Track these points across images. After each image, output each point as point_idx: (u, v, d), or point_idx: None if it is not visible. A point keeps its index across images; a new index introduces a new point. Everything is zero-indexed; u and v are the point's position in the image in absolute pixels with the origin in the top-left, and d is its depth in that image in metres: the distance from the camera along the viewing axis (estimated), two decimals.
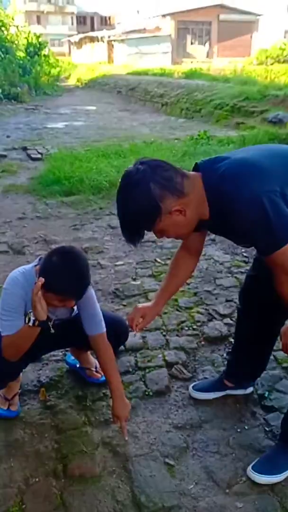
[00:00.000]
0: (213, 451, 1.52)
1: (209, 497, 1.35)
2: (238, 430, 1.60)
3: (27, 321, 1.40)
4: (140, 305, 1.53)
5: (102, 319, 1.56)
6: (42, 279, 1.33)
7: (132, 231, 1.19)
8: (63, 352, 1.97)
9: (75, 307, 1.63)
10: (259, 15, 26.22)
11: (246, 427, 1.61)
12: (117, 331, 1.64)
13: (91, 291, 1.55)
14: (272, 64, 15.24)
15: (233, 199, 1.11)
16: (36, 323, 1.38)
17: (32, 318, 1.38)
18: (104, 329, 1.55)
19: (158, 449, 1.52)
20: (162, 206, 1.12)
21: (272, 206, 1.09)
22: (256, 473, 1.40)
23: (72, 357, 1.89)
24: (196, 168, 1.22)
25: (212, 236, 3.31)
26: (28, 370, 1.72)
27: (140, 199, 1.12)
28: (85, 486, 1.39)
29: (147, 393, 1.78)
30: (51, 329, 1.51)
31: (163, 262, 2.92)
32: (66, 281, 1.33)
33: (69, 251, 1.41)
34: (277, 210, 1.09)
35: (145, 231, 1.19)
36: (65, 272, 1.33)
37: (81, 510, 1.32)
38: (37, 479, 1.41)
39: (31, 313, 1.38)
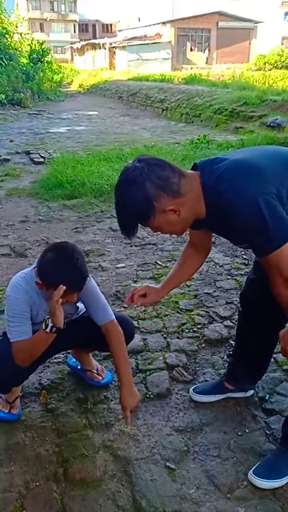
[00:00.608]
0: (214, 454, 1.50)
1: (211, 502, 1.34)
2: (239, 433, 1.59)
3: (44, 327, 1.41)
4: (146, 284, 1.54)
5: (109, 306, 1.58)
6: (63, 287, 1.34)
7: (127, 225, 1.20)
8: (64, 355, 1.96)
9: (80, 306, 1.63)
10: (257, 22, 26.45)
11: (247, 430, 1.60)
12: (124, 327, 1.62)
13: (92, 283, 1.56)
14: (270, 69, 15.36)
15: (229, 200, 1.12)
16: (54, 329, 1.40)
17: (50, 325, 1.39)
18: (113, 316, 1.57)
19: (159, 453, 1.51)
20: (156, 205, 1.14)
21: (268, 208, 1.10)
22: (257, 478, 1.39)
23: (74, 359, 1.89)
24: (195, 168, 1.23)
25: (212, 239, 3.31)
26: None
27: (135, 197, 1.13)
28: (85, 491, 1.38)
29: (148, 395, 1.77)
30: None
31: (163, 265, 2.92)
32: (63, 274, 1.34)
33: (63, 245, 1.43)
34: (272, 212, 1.10)
35: (142, 226, 1.21)
36: (61, 265, 1.35)
37: None
38: (37, 483, 1.40)
39: (49, 320, 1.40)
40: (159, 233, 1.26)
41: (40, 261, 1.42)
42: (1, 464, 1.46)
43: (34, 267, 1.49)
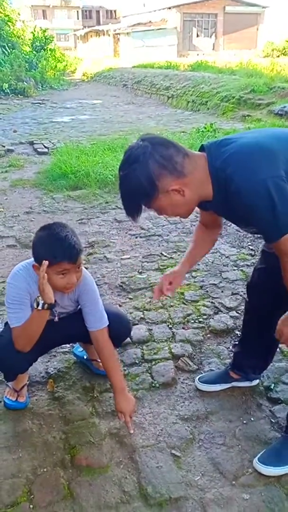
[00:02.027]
0: (220, 442, 1.52)
1: (216, 489, 1.36)
2: (244, 421, 1.61)
3: (36, 306, 1.43)
4: (167, 273, 1.50)
5: (104, 314, 1.58)
6: (46, 262, 1.36)
7: (131, 206, 1.18)
8: (71, 344, 1.98)
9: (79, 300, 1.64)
10: (265, 7, 25.81)
11: (252, 419, 1.62)
12: (118, 326, 1.65)
13: (93, 286, 1.57)
14: (278, 56, 15.05)
15: (238, 184, 1.10)
16: (46, 306, 1.41)
17: (41, 302, 1.41)
18: (105, 325, 1.57)
19: (165, 441, 1.53)
20: (159, 184, 1.12)
21: (278, 191, 1.07)
22: (262, 465, 1.41)
23: (80, 349, 1.91)
24: (202, 150, 1.20)
25: None
26: (36, 361, 1.74)
27: (138, 176, 1.11)
28: (92, 477, 1.41)
29: (153, 385, 1.79)
30: (56, 317, 1.53)
31: (169, 256, 2.92)
32: (54, 246, 1.36)
33: (53, 223, 1.45)
34: (282, 195, 1.08)
35: (145, 207, 1.19)
36: (52, 239, 1.37)
37: (88, 500, 1.33)
38: (45, 469, 1.43)
39: (39, 298, 1.42)
40: (164, 216, 1.23)
41: (33, 241, 1.44)
42: (9, 451, 1.49)
43: None
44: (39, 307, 1.42)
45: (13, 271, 1.50)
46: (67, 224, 1.47)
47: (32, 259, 1.51)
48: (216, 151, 1.16)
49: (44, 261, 1.36)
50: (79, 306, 1.64)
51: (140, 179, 1.11)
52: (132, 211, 1.18)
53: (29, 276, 1.47)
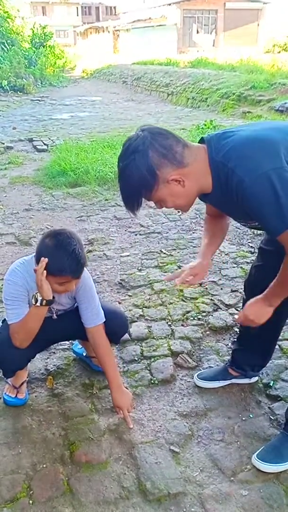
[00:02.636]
0: (218, 439, 1.53)
1: (214, 485, 1.37)
2: (243, 418, 1.61)
3: (34, 302, 1.44)
4: (189, 265, 1.46)
5: (101, 311, 1.58)
6: (45, 259, 1.36)
7: (131, 198, 1.17)
8: (70, 341, 1.99)
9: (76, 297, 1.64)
10: (266, 2, 25.65)
11: (251, 416, 1.62)
12: (114, 323, 1.65)
13: (90, 282, 1.58)
14: (279, 52, 14.97)
15: (241, 177, 1.08)
16: (44, 302, 1.42)
17: (39, 298, 1.42)
18: (101, 321, 1.58)
19: (164, 437, 1.54)
20: (159, 174, 1.11)
21: (281, 183, 1.06)
22: (261, 461, 1.41)
23: (79, 346, 1.91)
24: (202, 142, 1.19)
25: None
26: (35, 358, 1.74)
27: (138, 166, 1.10)
28: (91, 472, 1.41)
29: (152, 381, 1.79)
30: (54, 315, 1.53)
31: (168, 253, 2.92)
32: (61, 259, 1.36)
33: (61, 232, 1.43)
34: (286, 187, 1.06)
35: (145, 200, 1.17)
36: (59, 251, 1.36)
37: (87, 496, 1.34)
38: (44, 465, 1.43)
39: (38, 294, 1.42)
40: (165, 208, 1.22)
41: (37, 248, 1.43)
42: (9, 447, 1.50)
43: (35, 255, 1.50)
44: (38, 303, 1.43)
45: (11, 268, 1.50)
46: (73, 232, 1.46)
47: (31, 256, 1.52)
48: (217, 144, 1.15)
49: (43, 258, 1.37)
50: (76, 304, 1.65)
51: (140, 169, 1.10)
52: (132, 203, 1.17)
53: (26, 272, 1.47)
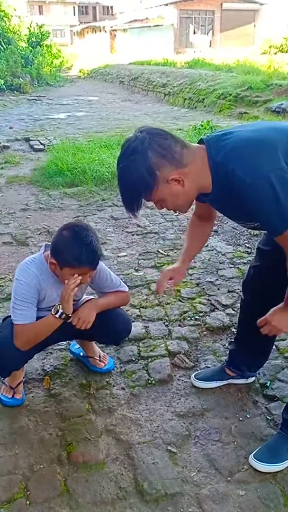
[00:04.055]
0: (215, 439, 1.53)
1: (211, 485, 1.37)
2: (240, 418, 1.61)
3: (54, 312, 1.44)
4: (166, 269, 1.51)
5: (120, 280, 1.65)
6: (79, 278, 1.39)
7: (131, 199, 1.17)
8: (67, 341, 1.98)
9: (84, 295, 1.65)
10: (262, 3, 25.73)
11: (248, 416, 1.63)
12: (119, 325, 1.66)
13: (103, 266, 1.60)
14: (275, 53, 15.02)
15: (241, 178, 1.09)
16: (63, 316, 1.44)
17: (60, 311, 1.43)
18: (125, 288, 1.66)
19: (161, 437, 1.54)
20: (159, 174, 1.11)
21: (281, 184, 1.07)
22: (258, 462, 1.41)
23: (76, 346, 1.91)
24: (201, 143, 1.19)
25: (215, 227, 3.30)
26: (32, 359, 1.74)
27: (138, 166, 1.10)
28: (89, 473, 1.41)
29: (149, 381, 1.79)
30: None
31: (165, 253, 2.92)
32: (79, 251, 1.37)
33: (78, 224, 1.45)
34: (286, 188, 1.07)
35: (145, 200, 1.18)
36: (77, 243, 1.38)
37: (85, 496, 1.34)
38: (41, 466, 1.43)
39: (60, 306, 1.43)
40: (164, 209, 1.22)
41: (54, 241, 1.44)
42: (5, 448, 1.49)
43: (43, 252, 1.51)
44: (57, 315, 1.44)
45: (22, 267, 1.50)
46: (89, 224, 1.49)
47: (39, 253, 1.52)
48: (216, 145, 1.15)
49: (76, 275, 1.39)
50: (81, 300, 1.65)
51: (140, 170, 1.10)
52: (132, 204, 1.17)
53: (38, 270, 1.48)
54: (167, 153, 1.11)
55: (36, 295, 1.47)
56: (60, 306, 1.43)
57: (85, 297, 1.71)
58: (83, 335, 1.65)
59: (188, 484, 1.37)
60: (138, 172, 1.11)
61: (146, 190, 1.14)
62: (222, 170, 1.13)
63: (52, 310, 1.44)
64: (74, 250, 1.38)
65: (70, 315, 1.45)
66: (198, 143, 1.21)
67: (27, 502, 1.32)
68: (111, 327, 1.61)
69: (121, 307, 1.72)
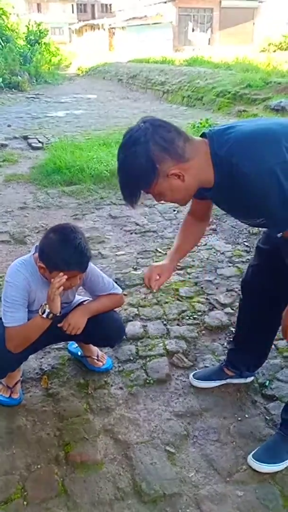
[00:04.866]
0: (214, 439, 1.52)
1: (210, 485, 1.36)
2: (239, 418, 1.61)
3: (41, 313, 1.42)
4: (155, 264, 1.49)
5: (113, 283, 1.63)
6: (65, 276, 1.35)
7: (130, 190, 1.15)
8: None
9: (76, 297, 1.63)
10: (261, 1, 25.66)
11: (246, 416, 1.62)
12: (110, 329, 1.65)
13: (94, 268, 1.59)
14: (274, 51, 14.99)
15: (246, 173, 1.07)
16: (50, 315, 1.41)
17: (47, 311, 1.41)
18: (119, 291, 1.63)
19: (159, 437, 1.53)
20: (159, 168, 1.09)
21: (286, 178, 1.05)
22: (256, 462, 1.41)
23: (74, 345, 1.90)
24: (204, 137, 1.17)
25: (213, 225, 3.29)
26: (30, 358, 1.73)
27: (138, 158, 1.08)
28: (86, 473, 1.40)
29: (148, 381, 1.78)
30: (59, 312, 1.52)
31: (164, 252, 2.91)
32: (68, 254, 1.35)
33: (65, 226, 1.43)
34: None
35: (144, 192, 1.16)
36: (65, 246, 1.36)
37: (82, 496, 1.33)
38: (39, 466, 1.42)
39: (46, 306, 1.41)
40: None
41: (42, 244, 1.42)
42: (2, 447, 1.48)
43: (33, 253, 1.49)
44: (44, 315, 1.41)
45: (12, 269, 1.48)
46: (77, 226, 1.46)
47: (29, 255, 1.50)
48: (219, 139, 1.13)
49: (62, 274, 1.36)
50: (74, 302, 1.63)
51: (140, 162, 1.08)
52: (131, 196, 1.15)
53: (27, 272, 1.46)
54: (169, 146, 1.08)
55: (26, 296, 1.45)
56: (47, 306, 1.41)
57: (78, 298, 1.70)
58: (76, 338, 1.64)
59: (187, 484, 1.37)
60: (138, 164, 1.08)
61: (145, 183, 1.12)
62: (225, 164, 1.10)
63: (40, 310, 1.42)
64: (63, 253, 1.35)
65: (57, 315, 1.43)
66: (200, 137, 1.18)
67: (25, 503, 1.31)
68: (102, 332, 1.60)
69: (116, 309, 1.71)
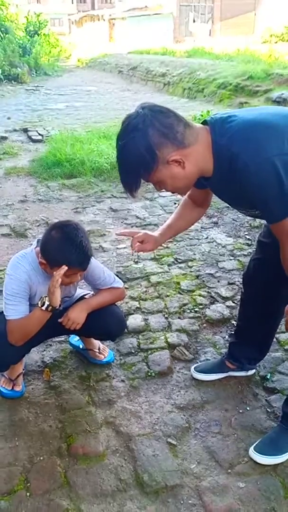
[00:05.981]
0: (215, 431, 1.53)
1: (212, 477, 1.37)
2: (240, 411, 1.61)
3: (40, 305, 1.42)
4: (144, 231, 1.48)
5: (114, 276, 1.62)
6: (65, 267, 1.35)
7: (129, 179, 1.13)
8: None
9: (77, 291, 1.63)
10: None
11: (248, 408, 1.62)
12: (112, 324, 1.65)
13: (95, 262, 1.58)
14: (276, 42, 14.82)
15: (245, 162, 1.06)
16: (50, 308, 1.41)
17: (47, 303, 1.40)
18: (120, 284, 1.63)
19: (161, 429, 1.54)
20: (159, 154, 1.07)
21: (286, 170, 1.04)
22: (258, 454, 1.41)
23: (76, 338, 1.90)
24: (205, 124, 1.16)
25: (215, 219, 3.28)
26: (32, 351, 1.73)
27: (137, 145, 1.06)
28: (88, 465, 1.41)
29: (149, 374, 1.79)
30: (60, 306, 1.52)
31: (164, 245, 2.89)
32: (69, 252, 1.35)
33: (67, 224, 1.42)
34: None
35: (144, 181, 1.14)
36: (67, 244, 1.35)
37: (84, 488, 1.34)
38: (41, 458, 1.43)
39: (46, 298, 1.40)
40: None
41: (43, 240, 1.41)
42: (5, 439, 1.49)
43: (35, 247, 1.48)
44: (43, 307, 1.41)
45: (13, 263, 1.47)
46: (79, 223, 1.45)
47: (31, 248, 1.49)
48: (221, 128, 1.11)
49: (63, 266, 1.35)
50: (76, 295, 1.63)
51: (140, 148, 1.06)
52: (131, 184, 1.13)
53: (29, 265, 1.45)
54: (169, 132, 1.06)
55: (27, 289, 1.45)
56: (47, 298, 1.41)
57: (80, 291, 1.69)
58: (77, 332, 1.64)
59: (188, 476, 1.37)
60: (137, 151, 1.06)
61: (145, 170, 1.10)
62: (225, 153, 1.09)
63: (39, 302, 1.42)
64: (64, 251, 1.35)
65: (57, 308, 1.43)
66: (202, 123, 1.16)
67: (27, 494, 1.32)
68: (103, 326, 1.60)
69: (117, 303, 1.70)
